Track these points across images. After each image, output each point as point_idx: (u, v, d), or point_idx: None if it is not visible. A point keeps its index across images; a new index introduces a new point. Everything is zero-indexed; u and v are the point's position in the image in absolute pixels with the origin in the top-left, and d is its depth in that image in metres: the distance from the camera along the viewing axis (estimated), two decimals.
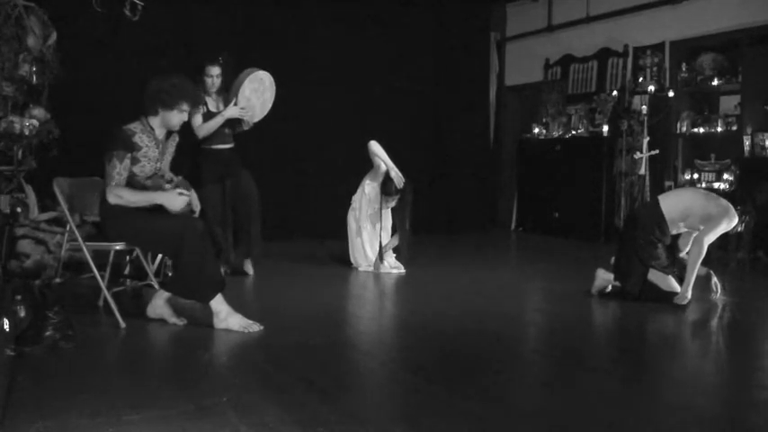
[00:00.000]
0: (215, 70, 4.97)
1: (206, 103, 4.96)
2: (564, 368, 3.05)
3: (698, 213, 4.28)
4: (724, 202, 4.26)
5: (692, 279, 4.23)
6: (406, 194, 5.46)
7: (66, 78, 5.05)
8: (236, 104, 4.89)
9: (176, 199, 3.44)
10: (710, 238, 4.21)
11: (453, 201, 8.48)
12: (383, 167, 5.43)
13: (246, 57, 5.65)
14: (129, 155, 3.41)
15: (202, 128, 4.90)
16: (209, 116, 4.92)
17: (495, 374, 2.95)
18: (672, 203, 4.37)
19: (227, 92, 4.98)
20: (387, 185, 5.43)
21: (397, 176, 5.42)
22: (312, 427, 2.23)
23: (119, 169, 3.39)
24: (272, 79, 5.08)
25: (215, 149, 5.03)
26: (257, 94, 5.01)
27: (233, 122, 5.02)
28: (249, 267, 5.16)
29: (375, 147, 5.47)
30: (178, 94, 3.48)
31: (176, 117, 3.54)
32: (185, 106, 3.53)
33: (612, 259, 4.58)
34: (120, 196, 3.39)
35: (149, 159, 3.53)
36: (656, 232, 4.33)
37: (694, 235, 4.43)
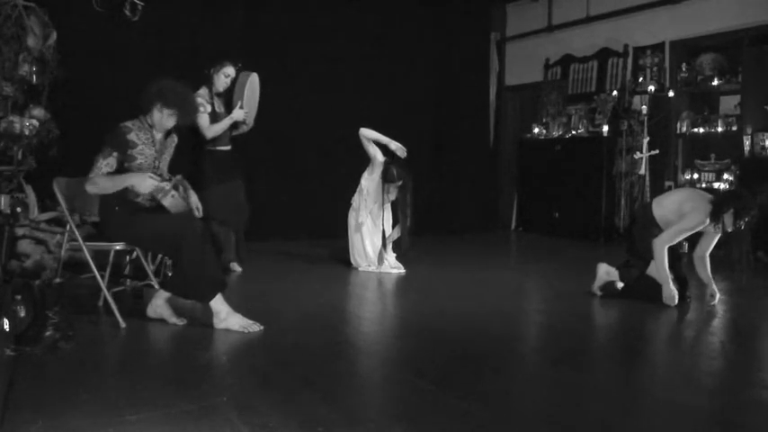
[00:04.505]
0: (231, 71, 5.04)
1: (213, 103, 5.02)
2: (564, 368, 3.05)
3: (673, 219, 4.30)
4: (701, 205, 4.19)
5: (663, 278, 4.26)
6: (407, 181, 5.44)
7: (66, 78, 5.05)
8: (241, 107, 4.99)
9: (145, 180, 3.43)
10: (664, 239, 4.23)
11: (453, 201, 8.48)
12: (379, 158, 5.41)
13: (247, 56, 5.65)
14: (115, 153, 3.45)
15: (212, 129, 4.95)
16: (213, 116, 4.97)
17: (496, 374, 2.96)
18: (659, 206, 4.43)
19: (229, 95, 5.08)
20: (388, 173, 5.40)
21: (399, 148, 5.39)
22: (312, 427, 2.23)
23: (100, 164, 3.44)
24: (258, 80, 5.19)
25: (218, 151, 5.08)
26: (254, 96, 5.15)
27: (233, 124, 5.11)
28: (236, 266, 5.27)
29: (367, 131, 5.41)
30: (168, 99, 3.50)
31: (156, 115, 3.56)
32: (168, 111, 3.55)
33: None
34: (96, 183, 3.42)
35: (146, 157, 3.53)
36: (651, 228, 4.40)
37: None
